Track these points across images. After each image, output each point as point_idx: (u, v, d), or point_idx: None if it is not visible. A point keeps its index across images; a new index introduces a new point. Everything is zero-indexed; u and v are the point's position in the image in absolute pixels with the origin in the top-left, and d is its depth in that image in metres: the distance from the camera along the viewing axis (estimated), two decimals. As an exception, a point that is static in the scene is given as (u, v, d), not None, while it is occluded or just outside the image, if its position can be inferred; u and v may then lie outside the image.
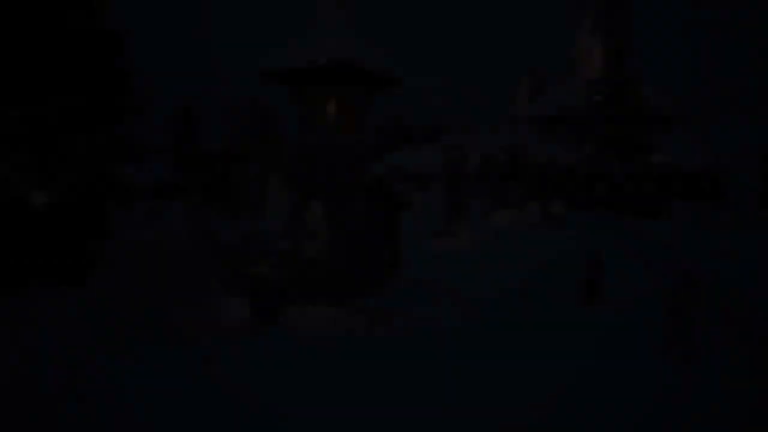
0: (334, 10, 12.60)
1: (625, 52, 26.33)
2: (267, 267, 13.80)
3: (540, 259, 17.30)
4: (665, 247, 19.06)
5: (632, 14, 27.17)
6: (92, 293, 14.91)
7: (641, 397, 6.95)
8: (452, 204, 20.50)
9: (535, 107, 53.12)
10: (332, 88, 12.40)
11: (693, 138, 38.80)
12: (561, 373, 8.01)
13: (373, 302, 12.88)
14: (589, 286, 12.37)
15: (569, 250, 18.29)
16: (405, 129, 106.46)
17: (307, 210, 12.90)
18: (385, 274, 14.53)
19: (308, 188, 12.86)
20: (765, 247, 19.37)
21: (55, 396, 7.39)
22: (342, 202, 12.51)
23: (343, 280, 12.65)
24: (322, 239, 12.69)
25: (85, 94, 16.80)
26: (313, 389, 7.72)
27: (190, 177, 63.46)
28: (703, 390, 7.07)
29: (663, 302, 9.06)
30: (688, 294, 8.48)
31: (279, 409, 6.99)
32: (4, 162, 13.76)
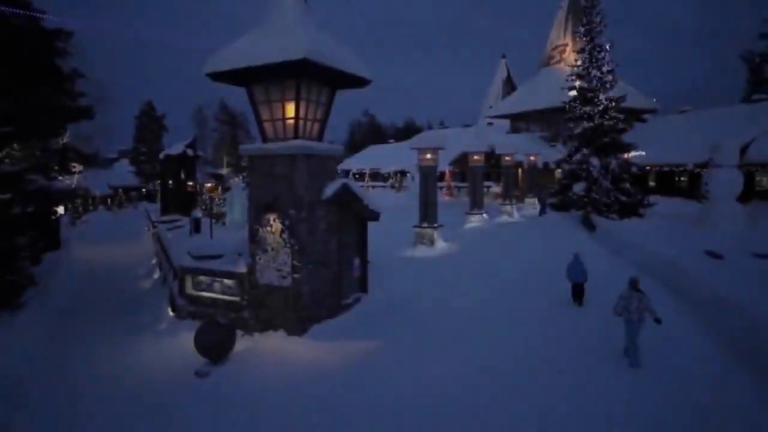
0: (291, 5, 11.14)
1: (601, 46, 25.44)
2: (221, 291, 12.31)
3: (516, 270, 16.05)
4: (637, 247, 18.19)
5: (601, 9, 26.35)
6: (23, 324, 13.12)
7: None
8: (426, 208, 19.19)
9: (509, 104, 52.45)
10: (290, 87, 10.95)
11: (668, 134, 38.72)
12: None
13: (339, 327, 11.51)
14: (577, 291, 12.87)
15: (546, 256, 17.21)
16: (379, 127, 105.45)
17: (264, 226, 11.44)
18: (353, 294, 13.17)
19: (265, 201, 11.38)
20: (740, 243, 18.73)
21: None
22: (304, 216, 11.07)
23: (306, 305, 11.24)
24: (281, 259, 11.25)
25: (13, 96, 14.97)
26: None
27: (153, 183, 60.83)
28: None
29: (614, 309, 9.64)
30: (632, 297, 9.28)
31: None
32: None
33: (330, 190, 11.70)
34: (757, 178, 31.60)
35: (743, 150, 29.06)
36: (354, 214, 13.04)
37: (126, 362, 11.26)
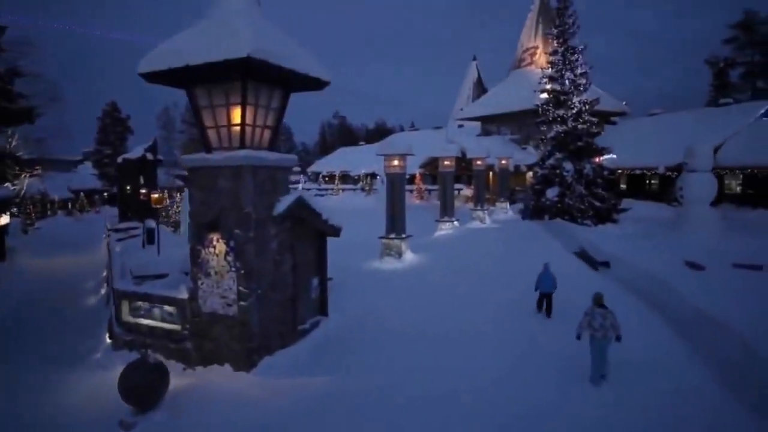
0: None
1: (574, 48, 24.81)
2: (161, 318, 10.90)
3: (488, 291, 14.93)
4: (615, 258, 17.49)
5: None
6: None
7: None
8: (393, 217, 18.06)
9: (480, 106, 51.90)
10: (235, 89, 9.64)
11: (638, 136, 38.66)
12: None
13: (293, 359, 10.26)
14: (545, 302, 12.63)
15: (518, 267, 16.25)
16: (350, 129, 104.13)
17: (207, 247, 10.09)
18: (311, 317, 11.93)
19: (207, 219, 10.04)
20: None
21: None
22: (251, 236, 9.78)
23: (254, 336, 9.95)
24: (226, 284, 9.93)
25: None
26: None
27: (111, 188, 57.96)
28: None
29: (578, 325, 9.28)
30: (596, 314, 8.98)
31: None
32: None
33: (282, 205, 10.44)
34: (726, 182, 31.68)
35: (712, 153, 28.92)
36: (311, 230, 11.80)
37: (45, 402, 9.78)
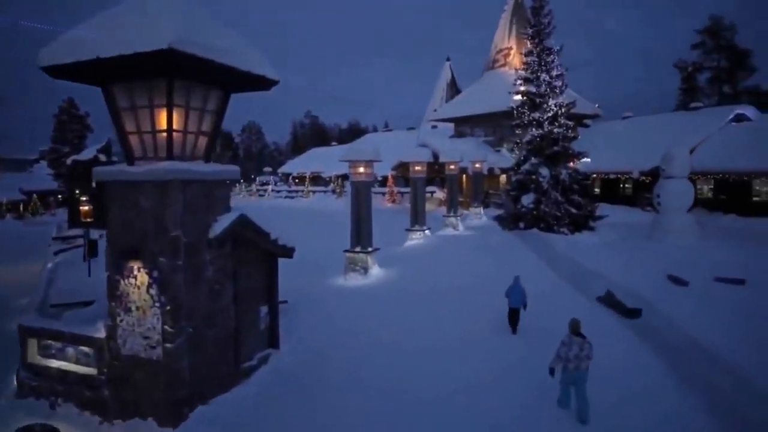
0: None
1: (550, 49, 23.79)
2: (76, 359, 9.16)
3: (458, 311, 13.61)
4: (594, 275, 16.43)
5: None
6: None
7: None
8: (359, 229, 16.60)
9: (453, 107, 50.89)
10: (159, 88, 8.01)
11: (611, 140, 38.14)
12: None
13: (233, 409, 8.68)
14: (513, 317, 12.03)
15: (492, 283, 14.98)
16: (322, 129, 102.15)
17: (126, 278, 8.42)
18: (259, 352, 10.36)
19: (127, 245, 8.36)
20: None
21: None
22: (180, 265, 8.16)
23: (184, 383, 8.33)
24: (149, 322, 8.28)
25: None
26: None
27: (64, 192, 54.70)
28: None
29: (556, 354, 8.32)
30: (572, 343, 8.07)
31: None
32: None
33: (221, 225, 8.84)
34: (698, 187, 31.34)
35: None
36: (259, 252, 10.23)
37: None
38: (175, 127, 8.24)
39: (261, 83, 9.22)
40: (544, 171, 23.78)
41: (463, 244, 22.10)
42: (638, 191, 34.75)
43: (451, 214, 26.71)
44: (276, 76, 9.30)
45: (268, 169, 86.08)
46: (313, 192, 57.98)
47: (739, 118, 34.18)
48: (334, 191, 54.21)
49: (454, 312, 13.36)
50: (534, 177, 23.65)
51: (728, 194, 30.39)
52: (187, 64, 7.54)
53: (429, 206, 42.50)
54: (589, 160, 27.86)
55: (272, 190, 63.29)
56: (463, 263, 18.27)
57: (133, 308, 8.38)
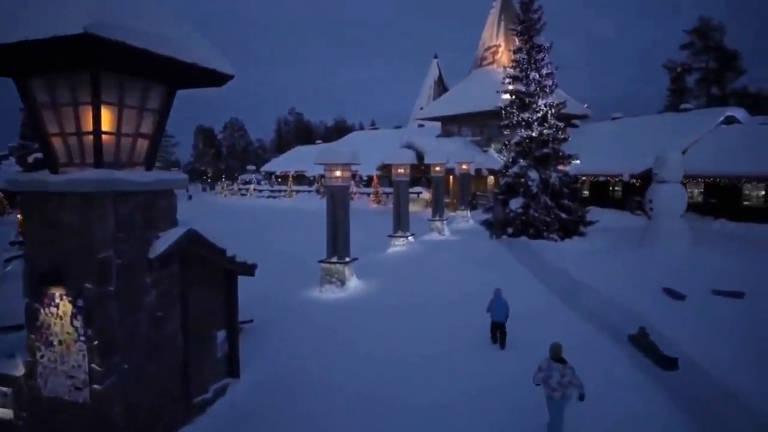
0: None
1: (540, 46, 22.77)
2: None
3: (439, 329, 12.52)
4: (585, 288, 15.44)
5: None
6: None
7: None
8: (335, 238, 15.40)
9: (440, 106, 49.79)
10: (84, 81, 6.72)
11: (601, 141, 37.33)
12: None
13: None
14: (498, 331, 11.29)
15: (477, 296, 13.88)
16: (308, 126, 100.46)
17: (47, 306, 7.12)
18: (216, 382, 9.12)
19: (46, 268, 7.06)
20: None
21: None
22: (112, 291, 6.89)
23: (119, 427, 7.07)
24: (74, 359, 7.00)
25: None
26: None
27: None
28: None
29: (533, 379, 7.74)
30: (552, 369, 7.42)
31: None
32: None
33: (164, 243, 7.58)
34: (689, 190, 30.58)
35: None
36: (214, 270, 8.99)
37: None
38: (105, 128, 6.95)
39: (212, 78, 7.96)
40: (533, 174, 22.77)
41: (448, 252, 20.98)
42: (628, 194, 33.99)
43: (437, 218, 25.61)
44: (230, 70, 8.05)
45: (251, 167, 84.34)
46: (297, 192, 56.55)
47: (729, 120, 33.58)
48: (318, 191, 52.86)
49: (436, 328, 12.30)
50: (523, 180, 22.62)
51: (719, 198, 29.72)
52: (112, 53, 6.26)
53: (415, 207, 41.38)
54: (578, 161, 26.96)
55: (255, 190, 61.67)
56: (447, 274, 17.14)
57: (55, 342, 7.08)
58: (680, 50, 52.84)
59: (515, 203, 22.96)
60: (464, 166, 31.00)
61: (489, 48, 47.68)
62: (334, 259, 15.22)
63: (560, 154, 23.13)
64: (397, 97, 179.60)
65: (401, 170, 20.98)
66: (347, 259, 15.30)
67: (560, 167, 23.82)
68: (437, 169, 25.73)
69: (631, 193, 33.41)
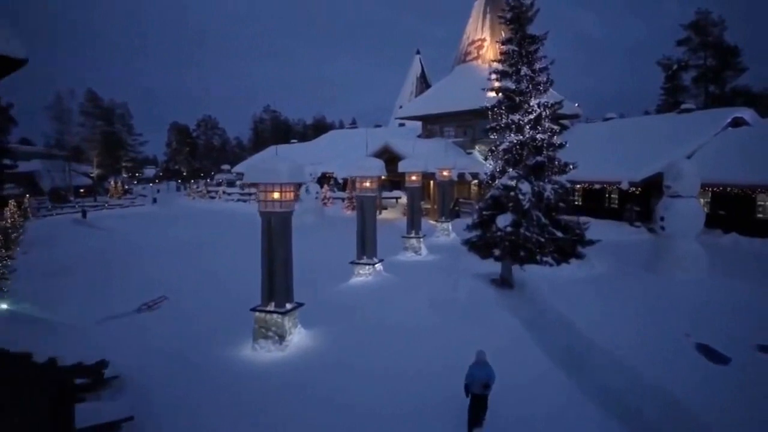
0: None
1: (532, 37, 19.30)
2: None
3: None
4: (596, 350, 12.05)
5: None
6: None
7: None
8: (271, 277, 11.77)
9: (421, 104, 46.27)
10: None
11: (595, 144, 34.14)
12: None
13: None
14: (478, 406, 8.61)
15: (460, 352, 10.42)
16: (286, 124, 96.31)
17: None
18: None
19: None
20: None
21: None
22: None
23: None
24: None
25: None
26: None
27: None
28: None
29: None
30: None
31: None
32: None
33: None
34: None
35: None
36: (26, 389, 5.34)
37: None
38: None
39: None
40: (525, 186, 19.31)
41: (423, 281, 17.51)
42: (625, 203, 30.86)
43: (412, 234, 22.12)
44: (22, 54, 4.66)
45: (226, 166, 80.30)
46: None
47: (737, 122, 30.61)
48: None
49: (396, 410, 8.79)
50: (513, 194, 19.15)
51: (728, 210, 26.71)
52: None
53: (392, 215, 37.87)
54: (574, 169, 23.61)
55: (224, 192, 57.61)
56: (417, 323, 13.46)
57: None
58: (676, 46, 49.98)
59: (503, 220, 19.48)
60: (445, 173, 27.53)
61: (473, 42, 44.26)
62: (271, 307, 11.59)
63: (556, 162, 19.74)
64: (380, 94, 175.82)
65: (367, 184, 17.31)
66: (288, 307, 11.64)
67: (555, 178, 20.42)
68: (413, 178, 22.22)
69: (629, 202, 30.31)
